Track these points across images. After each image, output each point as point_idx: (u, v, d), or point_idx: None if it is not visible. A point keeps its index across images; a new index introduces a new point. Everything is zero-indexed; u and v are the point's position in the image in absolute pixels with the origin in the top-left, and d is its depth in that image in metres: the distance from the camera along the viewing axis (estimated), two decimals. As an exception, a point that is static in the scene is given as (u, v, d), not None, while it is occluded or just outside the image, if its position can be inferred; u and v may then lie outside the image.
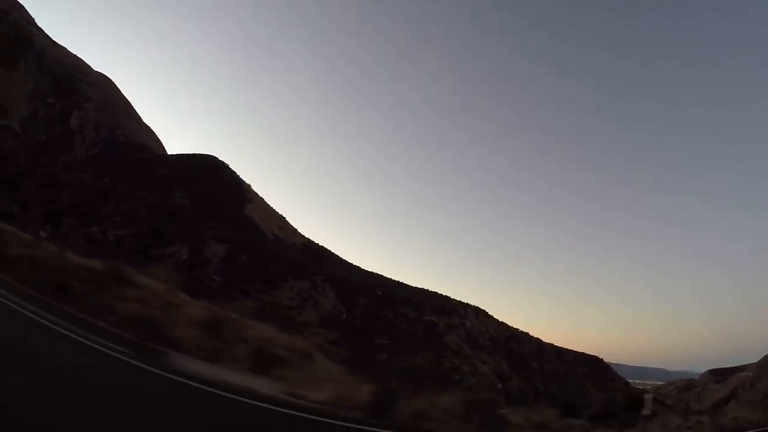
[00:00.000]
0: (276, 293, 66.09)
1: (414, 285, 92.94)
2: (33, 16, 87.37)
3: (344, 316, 68.05)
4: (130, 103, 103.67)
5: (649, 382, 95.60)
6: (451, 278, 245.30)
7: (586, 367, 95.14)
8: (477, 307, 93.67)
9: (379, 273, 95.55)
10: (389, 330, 67.24)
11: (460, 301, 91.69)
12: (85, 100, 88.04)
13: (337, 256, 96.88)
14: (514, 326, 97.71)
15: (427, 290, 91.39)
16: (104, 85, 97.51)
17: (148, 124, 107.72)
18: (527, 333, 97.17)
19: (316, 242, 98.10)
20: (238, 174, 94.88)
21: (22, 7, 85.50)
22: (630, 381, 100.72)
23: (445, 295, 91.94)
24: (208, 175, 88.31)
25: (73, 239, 66.56)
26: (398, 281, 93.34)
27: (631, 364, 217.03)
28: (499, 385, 64.92)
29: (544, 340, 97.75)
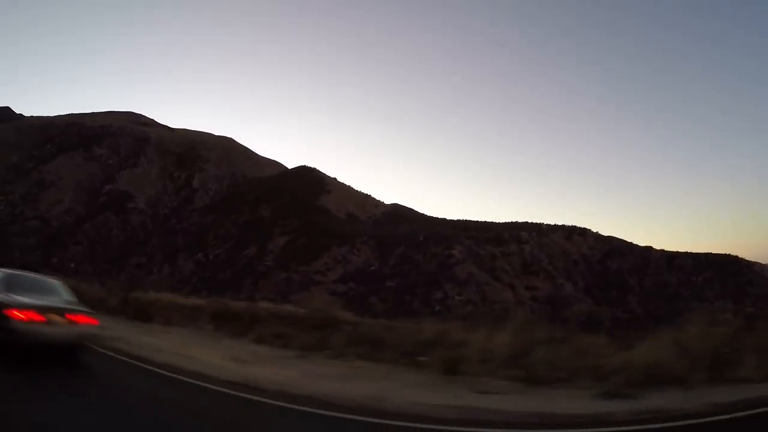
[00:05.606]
0: (315, 263, 79.52)
1: (497, 221, 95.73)
2: (151, 117, 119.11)
3: (372, 267, 77.55)
4: (247, 148, 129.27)
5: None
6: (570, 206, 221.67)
7: (711, 272, 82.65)
8: (573, 227, 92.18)
9: (466, 219, 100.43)
10: (408, 272, 74.39)
11: (539, 224, 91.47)
12: (204, 162, 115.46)
13: (421, 214, 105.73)
14: (625, 239, 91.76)
15: (497, 223, 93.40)
16: (223, 143, 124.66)
17: (268, 156, 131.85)
18: (632, 244, 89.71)
19: (404, 205, 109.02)
20: (322, 172, 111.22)
21: (139, 115, 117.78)
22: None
23: (520, 222, 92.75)
24: (292, 183, 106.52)
25: (184, 267, 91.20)
26: (477, 221, 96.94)
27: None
28: (520, 313, 65.76)
29: (655, 248, 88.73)
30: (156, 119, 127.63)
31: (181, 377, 9.44)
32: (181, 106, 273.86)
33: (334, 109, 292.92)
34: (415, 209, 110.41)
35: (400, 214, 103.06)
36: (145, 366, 10.31)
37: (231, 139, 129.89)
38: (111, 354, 11.08)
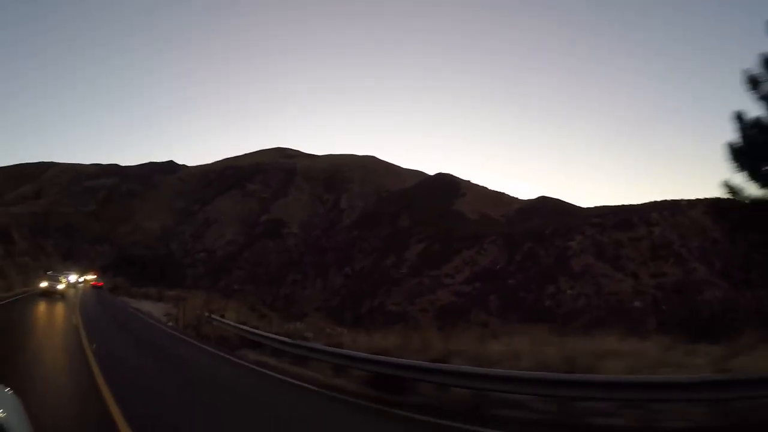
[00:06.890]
0: (446, 266, 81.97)
1: (632, 204, 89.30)
2: (296, 148, 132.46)
3: (498, 266, 77.81)
4: (389, 163, 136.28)
5: None
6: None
7: None
8: (716, 198, 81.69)
9: (604, 205, 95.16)
10: (530, 267, 73.42)
11: (677, 201, 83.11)
12: (349, 183, 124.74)
13: (568, 205, 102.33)
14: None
15: (631, 206, 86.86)
16: (364, 162, 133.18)
17: (411, 167, 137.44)
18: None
19: (550, 197, 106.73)
20: (456, 177, 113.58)
21: (285, 149, 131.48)
22: None
23: (658, 201, 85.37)
24: (429, 191, 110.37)
25: (334, 281, 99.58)
26: (612, 206, 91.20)
27: None
28: (636, 304, 61.37)
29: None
30: (300, 150, 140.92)
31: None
32: (323, 134, 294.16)
33: (475, 112, 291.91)
34: (563, 200, 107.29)
35: (534, 208, 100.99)
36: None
37: (372, 157, 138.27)
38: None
